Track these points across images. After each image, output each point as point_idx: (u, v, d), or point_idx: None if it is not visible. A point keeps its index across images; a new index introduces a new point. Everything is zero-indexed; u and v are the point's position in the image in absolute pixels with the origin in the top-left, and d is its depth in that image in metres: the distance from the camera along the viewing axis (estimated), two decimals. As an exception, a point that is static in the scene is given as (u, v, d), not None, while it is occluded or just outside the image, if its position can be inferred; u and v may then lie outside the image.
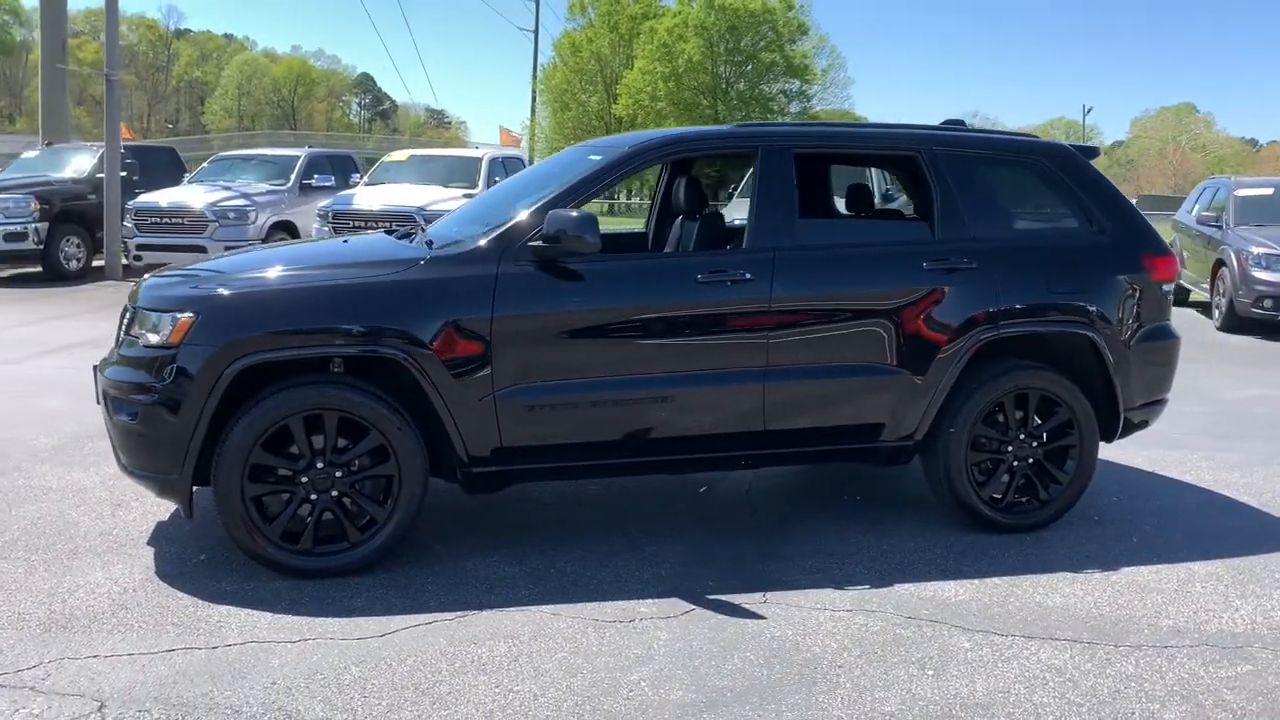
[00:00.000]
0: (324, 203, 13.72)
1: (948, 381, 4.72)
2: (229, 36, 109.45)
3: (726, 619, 3.92)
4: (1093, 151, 5.39)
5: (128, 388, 4.17)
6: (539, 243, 4.28)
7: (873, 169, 10.07)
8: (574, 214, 4.24)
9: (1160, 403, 5.21)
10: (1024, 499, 4.96)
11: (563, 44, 60.05)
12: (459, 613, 3.92)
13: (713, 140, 5.12)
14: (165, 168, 17.09)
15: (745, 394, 4.54)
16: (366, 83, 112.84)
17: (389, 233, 5.61)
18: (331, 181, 15.34)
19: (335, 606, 3.96)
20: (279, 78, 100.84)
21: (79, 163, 16.09)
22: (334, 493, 4.19)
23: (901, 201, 9.89)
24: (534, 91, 59.17)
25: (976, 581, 4.34)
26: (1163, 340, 5.12)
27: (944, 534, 4.88)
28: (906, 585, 4.29)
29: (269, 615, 3.87)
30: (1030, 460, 4.91)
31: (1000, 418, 4.88)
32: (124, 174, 15.36)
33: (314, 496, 4.18)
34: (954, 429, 4.75)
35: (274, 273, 4.37)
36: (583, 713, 3.23)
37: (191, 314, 4.09)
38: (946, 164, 4.88)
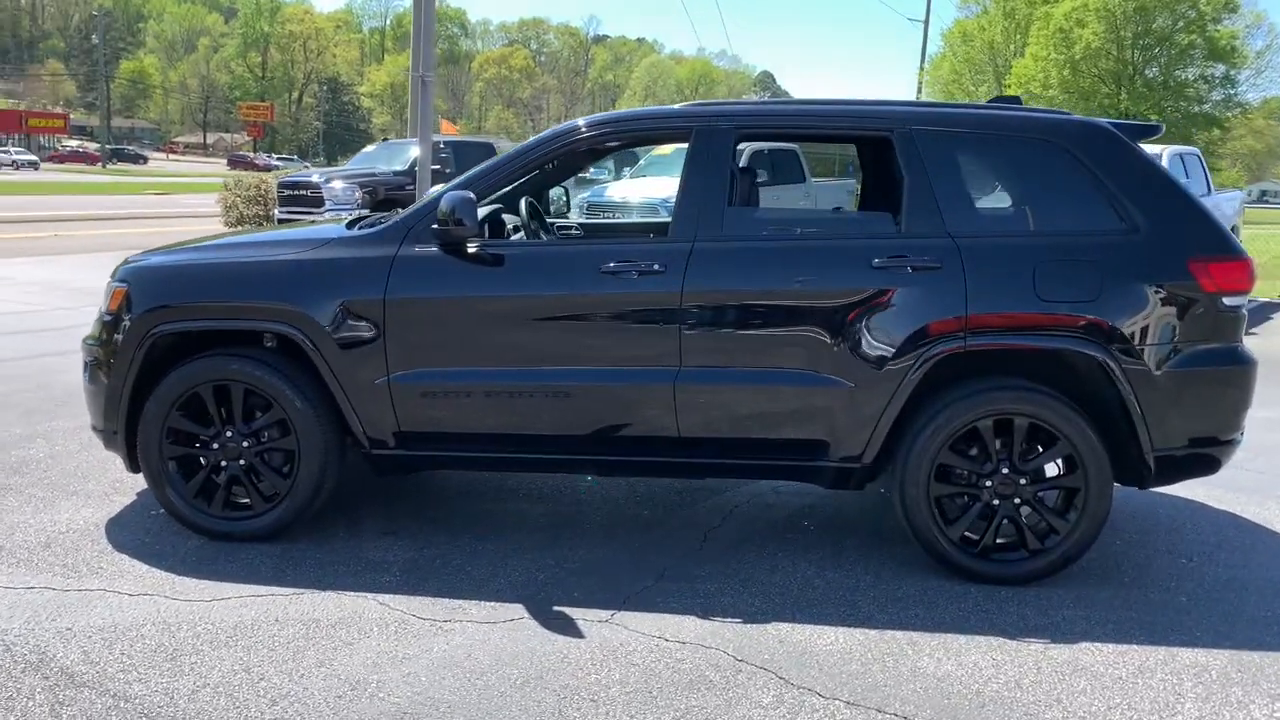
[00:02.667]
0: (584, 194, 14.27)
1: (899, 398, 4.06)
2: (641, 40, 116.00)
3: (543, 633, 3.64)
4: (1148, 129, 4.37)
5: (86, 350, 4.61)
6: (435, 225, 4.20)
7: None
8: (459, 195, 4.12)
9: (1224, 444, 4.14)
10: (1010, 545, 4.16)
11: (953, 33, 58.13)
12: (298, 590, 3.96)
13: (646, 121, 4.73)
14: (480, 160, 18.48)
15: (654, 395, 4.17)
16: (766, 80, 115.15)
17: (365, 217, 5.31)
18: (451, 169, 16.33)
19: (207, 568, 4.14)
20: (683, 78, 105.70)
21: (406, 156, 17.83)
22: (242, 461, 4.38)
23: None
24: (920, 83, 57.53)
25: (874, 633, 3.71)
26: (1223, 366, 4.07)
27: (907, 576, 4.21)
28: (784, 625, 3.75)
29: (147, 569, 4.12)
30: (1016, 500, 4.10)
31: (976, 446, 4.12)
32: (437, 167, 16.82)
33: (224, 463, 4.40)
34: (911, 454, 4.08)
35: (208, 253, 4.62)
36: (281, 703, 3.15)
37: (124, 285, 4.44)
38: (927, 146, 4.17)
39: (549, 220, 5.48)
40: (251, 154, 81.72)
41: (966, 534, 4.15)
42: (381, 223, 4.47)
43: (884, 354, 4.04)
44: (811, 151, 18.10)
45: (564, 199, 6.36)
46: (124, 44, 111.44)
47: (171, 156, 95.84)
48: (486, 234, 4.50)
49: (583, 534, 4.60)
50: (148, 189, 42.81)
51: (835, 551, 4.47)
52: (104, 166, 71.29)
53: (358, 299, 4.22)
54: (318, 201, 16.32)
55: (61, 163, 72.68)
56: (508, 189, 4.84)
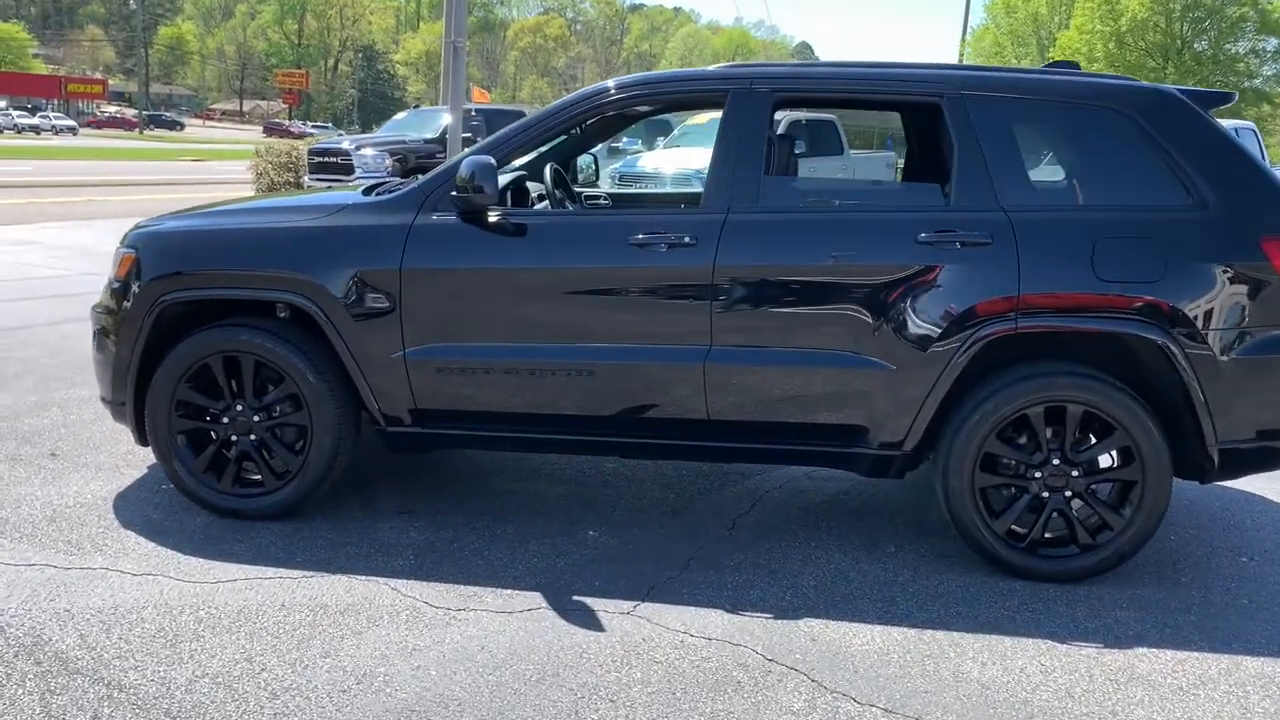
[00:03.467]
0: (615, 165, 14.03)
1: (944, 383, 3.81)
2: (677, 10, 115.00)
3: (561, 625, 3.44)
4: (1220, 97, 4.06)
5: (94, 318, 4.44)
6: (454, 192, 3.98)
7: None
8: (479, 160, 3.89)
9: None
10: (1059, 540, 3.91)
11: (996, 5, 57.09)
12: (308, 573, 3.78)
13: (679, 83, 4.46)
14: (510, 128, 18.27)
15: (682, 376, 3.95)
16: (804, 51, 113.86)
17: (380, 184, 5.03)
18: (482, 137, 15.84)
19: (214, 548, 3.97)
20: (719, 49, 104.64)
21: (437, 124, 17.61)
22: (253, 436, 4.21)
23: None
24: (961, 55, 56.55)
25: (913, 633, 3.48)
26: (1299, 354, 3.78)
27: (947, 571, 3.97)
28: (816, 622, 3.53)
29: (153, 547, 3.96)
30: (1068, 493, 3.85)
31: (1026, 435, 3.87)
32: (468, 135, 16.59)
33: (234, 438, 4.22)
34: (956, 442, 3.83)
35: (220, 219, 4.43)
36: (283, 696, 2.98)
37: (133, 251, 4.26)
38: (979, 113, 3.89)
39: (576, 189, 5.24)
40: (287, 121, 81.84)
41: (1013, 527, 3.91)
42: (400, 189, 4.25)
43: (929, 335, 3.79)
44: (849, 124, 17.71)
45: (593, 167, 6.12)
46: (162, 10, 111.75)
47: (208, 123, 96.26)
48: (509, 202, 4.28)
49: (606, 518, 4.39)
50: (184, 155, 42.94)
51: (871, 542, 4.24)
52: (141, 132, 71.64)
53: (372, 269, 4.02)
54: (348, 169, 16.15)
55: (100, 128, 73.13)
56: (532, 155, 4.61)
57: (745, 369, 3.92)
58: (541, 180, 4.78)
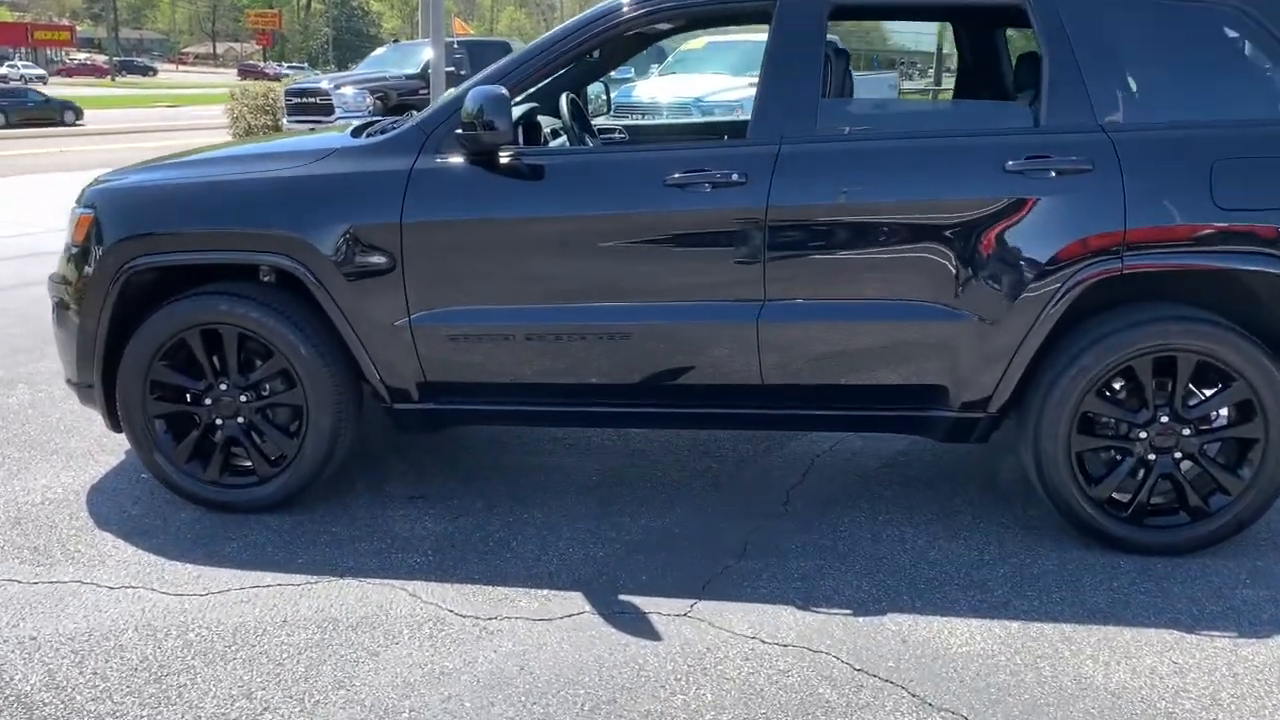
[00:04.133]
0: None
1: (1037, 333, 3.29)
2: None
3: (611, 634, 2.96)
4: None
5: (53, 290, 3.89)
6: (460, 130, 3.41)
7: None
8: (489, 90, 3.32)
9: None
10: (1167, 507, 3.43)
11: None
12: (313, 578, 3.29)
13: None
14: (496, 61, 17.50)
15: (733, 336, 3.43)
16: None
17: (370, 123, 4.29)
18: (466, 70, 15.20)
19: (202, 550, 3.47)
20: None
21: (418, 58, 16.82)
22: (240, 419, 3.68)
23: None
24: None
25: (1016, 627, 3.01)
26: None
27: (1038, 546, 3.50)
28: (903, 618, 3.05)
29: (133, 551, 3.46)
30: (1179, 454, 3.36)
31: (1129, 389, 3.37)
32: (451, 68, 15.82)
33: (220, 421, 3.70)
34: (1049, 401, 3.33)
35: (190, 170, 3.84)
36: (287, 744, 2.50)
37: (91, 211, 3.70)
38: (1072, 15, 3.32)
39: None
40: (262, 63, 79.91)
41: (1113, 495, 3.43)
42: (394, 128, 3.68)
43: (1020, 279, 3.26)
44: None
45: (603, 96, 5.50)
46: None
47: (181, 68, 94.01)
48: (521, 140, 3.71)
49: (642, 496, 3.90)
50: (159, 101, 41.77)
51: (946, 513, 3.75)
52: (113, 79, 69.84)
53: (367, 223, 3.46)
54: (327, 109, 15.40)
55: (70, 76, 71.23)
56: (545, 83, 4.03)
57: (805, 326, 3.40)
58: (556, 114, 4.20)
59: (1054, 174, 3.24)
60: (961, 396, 3.41)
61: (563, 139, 4.16)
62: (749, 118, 3.51)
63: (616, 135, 5.04)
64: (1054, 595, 3.19)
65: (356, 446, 3.93)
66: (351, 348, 3.56)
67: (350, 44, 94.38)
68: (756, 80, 3.55)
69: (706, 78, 12.86)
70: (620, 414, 3.67)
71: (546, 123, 4.18)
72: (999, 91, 4.56)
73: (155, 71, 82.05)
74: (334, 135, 4.06)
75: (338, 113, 15.28)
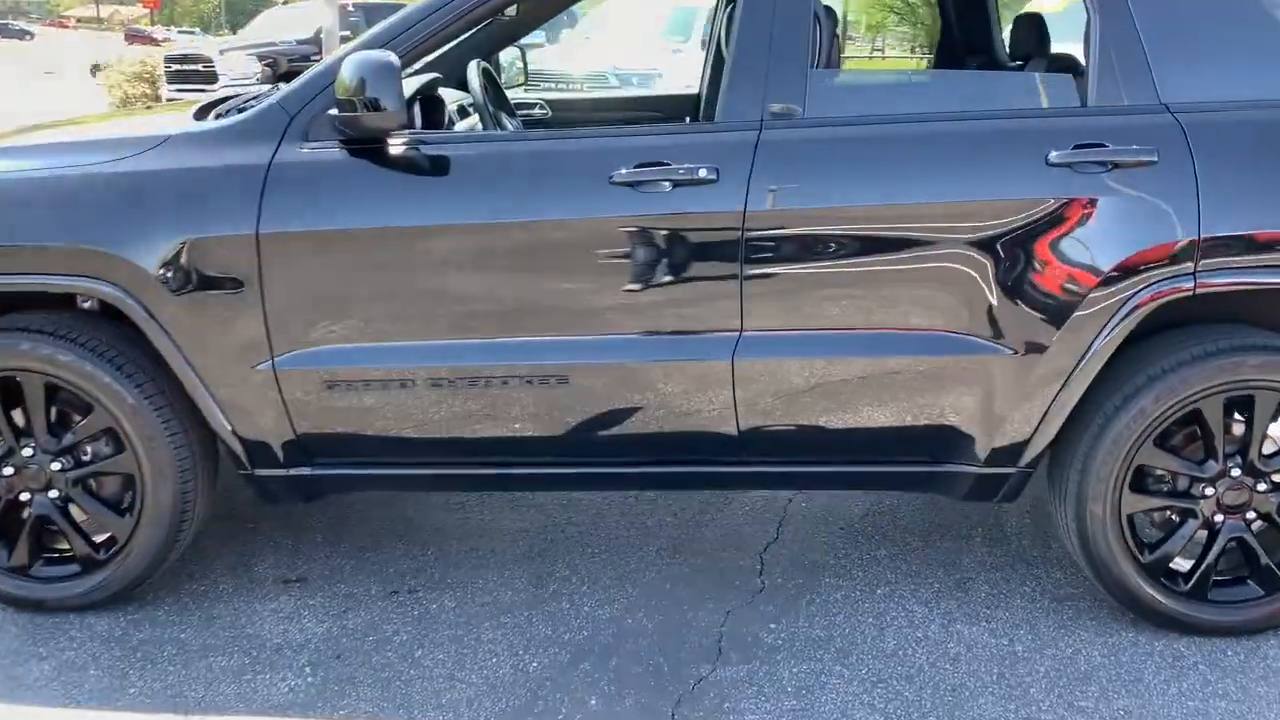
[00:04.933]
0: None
1: (1089, 367, 2.59)
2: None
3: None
4: None
5: None
6: (335, 109, 2.55)
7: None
8: (371, 57, 2.47)
9: None
10: (1234, 579, 2.78)
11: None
12: (149, 717, 2.44)
13: None
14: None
15: (699, 376, 2.65)
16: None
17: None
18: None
19: (0, 674, 2.59)
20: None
21: (310, 22, 15.61)
22: (54, 493, 2.79)
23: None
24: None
25: (1079, 758, 2.31)
26: None
27: (1077, 629, 2.82)
28: (936, 751, 2.34)
29: (-99, 681, 2.56)
30: (1250, 514, 2.70)
31: (1190, 437, 2.69)
32: (346, 33, 14.69)
33: (26, 496, 2.81)
34: (1096, 453, 2.63)
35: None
36: None
37: None
38: (1127, -35, 2.60)
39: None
40: (149, 28, 76.20)
41: (1169, 564, 2.76)
42: (250, 109, 2.80)
43: (1066, 302, 2.55)
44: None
45: (519, 64, 4.63)
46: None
47: (63, 30, 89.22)
48: (418, 122, 2.87)
49: (585, 570, 3.11)
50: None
51: (957, 583, 3.05)
52: (-14, 44, 65.74)
53: (211, 235, 2.59)
54: (211, 77, 14.15)
55: (-63, 40, 66.87)
56: (448, 48, 3.18)
57: (792, 362, 2.64)
58: (465, 87, 3.35)
59: (1109, 166, 2.52)
60: (990, 446, 2.69)
61: (473, 120, 3.31)
62: (696, 90, 2.72)
63: (537, 112, 4.21)
64: (1115, 703, 2.51)
65: (220, 502, 3.07)
66: (195, 398, 2.69)
67: (243, 8, 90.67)
68: (713, 44, 2.77)
69: (625, 40, 12.01)
70: (555, 476, 2.87)
71: (451, 98, 3.33)
72: (990, 60, 3.86)
73: (33, 35, 77.62)
74: (170, 116, 3.16)
75: (222, 80, 14.05)
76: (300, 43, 15.10)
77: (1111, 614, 2.84)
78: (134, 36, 69.83)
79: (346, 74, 2.45)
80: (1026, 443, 2.68)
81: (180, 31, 74.50)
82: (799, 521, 3.42)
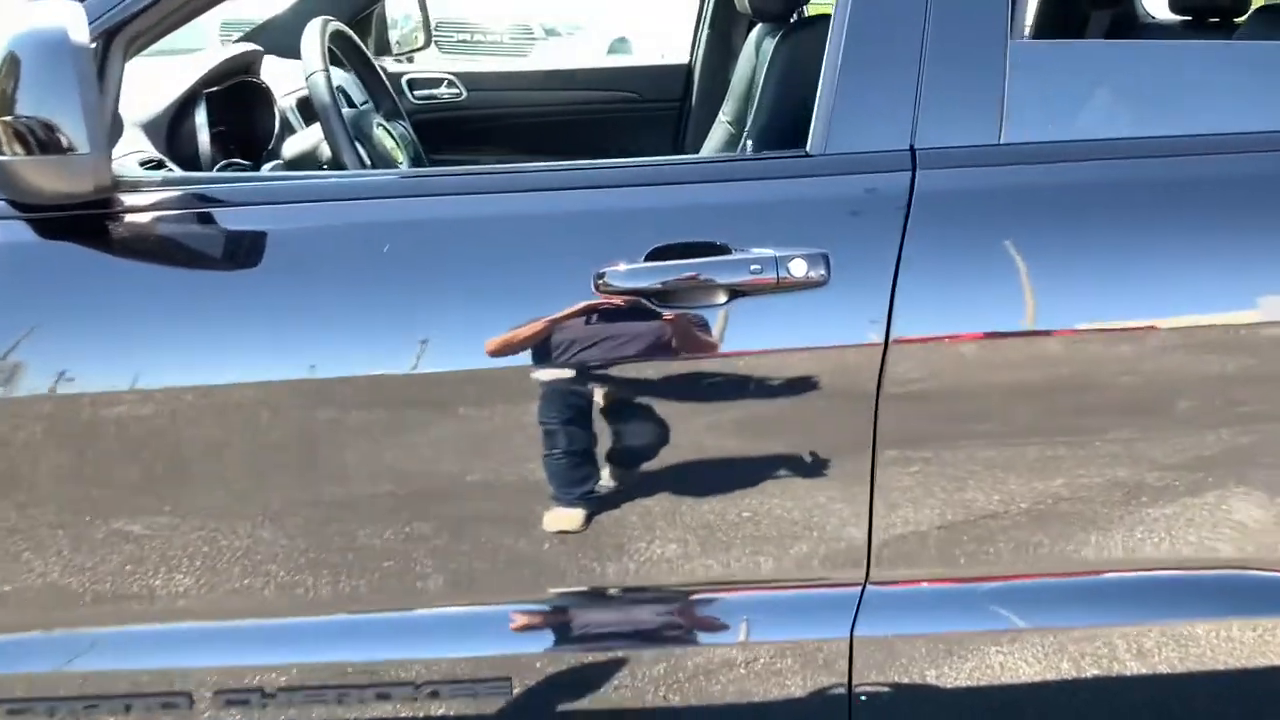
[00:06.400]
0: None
1: None
2: None
3: None
4: None
5: None
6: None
7: None
8: (46, 33, 1.05)
9: None
10: None
11: None
12: None
13: None
14: None
15: (800, 655, 1.30)
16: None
17: None
18: None
19: None
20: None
21: None
22: None
23: None
24: None
25: None
26: None
27: None
28: None
29: None
30: None
31: None
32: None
33: None
34: None
35: None
36: None
37: None
38: None
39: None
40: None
41: None
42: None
43: None
44: None
45: (416, 16, 3.09)
46: None
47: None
48: (203, 147, 1.44)
49: None
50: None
51: None
52: None
53: None
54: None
55: None
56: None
57: (1007, 635, 1.31)
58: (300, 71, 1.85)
59: None
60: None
61: (314, 138, 1.73)
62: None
63: (444, 91, 2.78)
64: None
65: None
66: None
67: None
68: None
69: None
70: None
71: (287, 89, 1.86)
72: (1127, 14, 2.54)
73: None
74: None
75: None
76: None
77: None
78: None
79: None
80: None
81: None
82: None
